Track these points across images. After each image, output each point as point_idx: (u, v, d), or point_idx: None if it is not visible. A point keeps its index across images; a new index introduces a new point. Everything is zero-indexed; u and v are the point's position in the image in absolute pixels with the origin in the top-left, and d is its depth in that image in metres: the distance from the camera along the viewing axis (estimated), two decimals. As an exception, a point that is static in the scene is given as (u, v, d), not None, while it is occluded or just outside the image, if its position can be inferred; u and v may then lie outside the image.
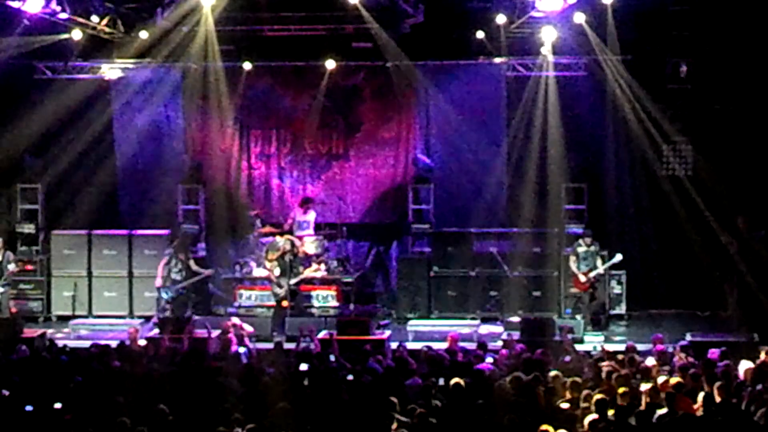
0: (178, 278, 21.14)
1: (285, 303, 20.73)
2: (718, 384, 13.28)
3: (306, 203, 22.64)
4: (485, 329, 20.49)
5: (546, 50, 21.58)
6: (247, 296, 21.81)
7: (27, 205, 22.96)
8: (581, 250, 20.88)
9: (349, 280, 22.00)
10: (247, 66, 23.04)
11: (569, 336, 17.81)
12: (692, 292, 21.95)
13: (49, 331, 20.12)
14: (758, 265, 20.40)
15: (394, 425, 12.04)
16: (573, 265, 20.93)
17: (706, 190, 21.23)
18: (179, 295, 21.13)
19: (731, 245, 20.88)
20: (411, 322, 20.97)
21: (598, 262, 20.78)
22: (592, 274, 20.71)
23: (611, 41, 20.90)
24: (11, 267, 20.98)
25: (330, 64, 22.78)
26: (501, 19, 21.05)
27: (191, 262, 21.41)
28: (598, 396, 12.44)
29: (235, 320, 18.69)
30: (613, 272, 21.57)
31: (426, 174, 23.47)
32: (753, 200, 21.35)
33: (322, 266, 21.85)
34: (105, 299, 22.37)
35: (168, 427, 12.25)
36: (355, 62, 23.14)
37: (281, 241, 21.48)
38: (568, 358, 15.74)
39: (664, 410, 12.41)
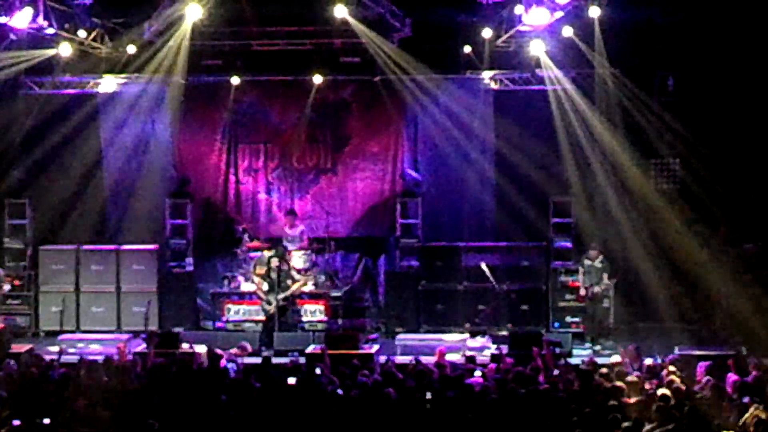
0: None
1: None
2: (704, 396, 13.30)
3: (290, 215, 22.62)
4: (473, 343, 20.47)
5: (545, 64, 21.60)
6: (235, 311, 21.78)
7: (14, 220, 22.90)
8: (587, 263, 20.96)
9: (338, 294, 21.99)
10: (235, 80, 23.04)
11: (556, 350, 17.79)
12: (680, 305, 21.92)
13: (39, 347, 20.06)
14: (746, 277, 20.44)
15: None
16: (580, 277, 21.01)
17: (693, 204, 21.25)
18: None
19: (720, 257, 20.93)
20: (399, 336, 20.91)
21: (605, 277, 20.84)
22: (591, 289, 20.80)
23: (599, 55, 20.92)
24: (6, 287, 20.99)
25: (317, 79, 22.80)
26: (487, 33, 21.11)
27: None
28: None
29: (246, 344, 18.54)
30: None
31: (414, 188, 23.50)
32: (740, 213, 21.38)
33: (310, 281, 21.81)
34: (93, 314, 22.31)
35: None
36: (342, 76, 23.16)
37: (269, 255, 21.45)
38: (556, 372, 15.74)
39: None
